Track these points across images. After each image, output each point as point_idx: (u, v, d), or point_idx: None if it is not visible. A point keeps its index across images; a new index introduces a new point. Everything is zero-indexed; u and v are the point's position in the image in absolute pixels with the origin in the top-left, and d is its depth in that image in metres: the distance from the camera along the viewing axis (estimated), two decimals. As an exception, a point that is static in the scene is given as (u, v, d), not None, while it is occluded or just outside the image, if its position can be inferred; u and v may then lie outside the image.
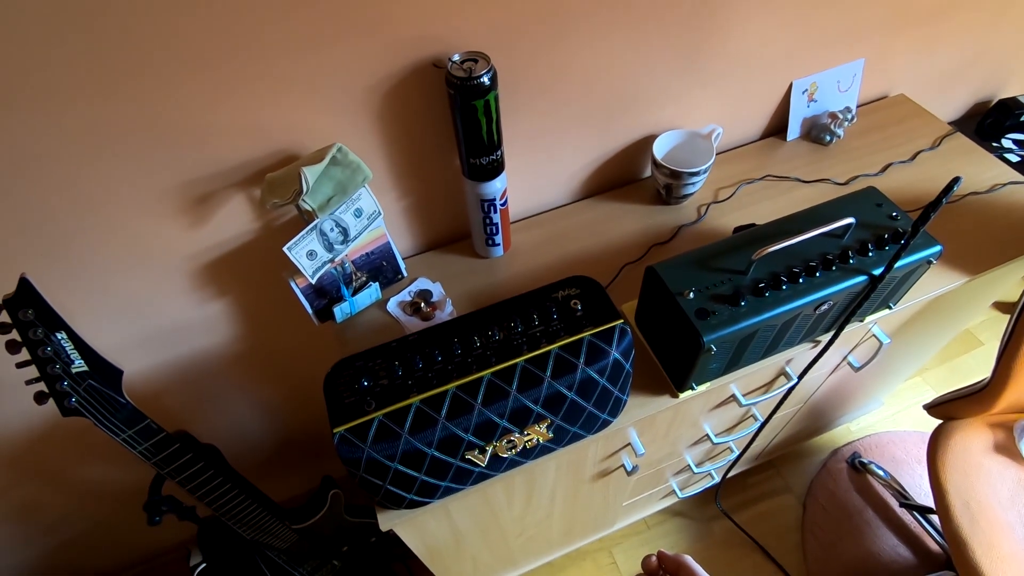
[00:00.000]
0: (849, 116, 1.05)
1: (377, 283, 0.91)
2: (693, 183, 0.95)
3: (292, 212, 0.85)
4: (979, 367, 1.74)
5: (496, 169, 0.81)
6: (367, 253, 0.87)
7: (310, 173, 0.69)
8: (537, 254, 0.95)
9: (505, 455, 0.67)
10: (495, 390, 0.63)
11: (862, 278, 0.71)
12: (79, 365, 0.67)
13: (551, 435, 0.68)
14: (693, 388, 0.77)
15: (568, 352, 0.65)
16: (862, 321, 0.84)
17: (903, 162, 1.02)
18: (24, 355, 0.64)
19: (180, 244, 0.80)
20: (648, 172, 1.07)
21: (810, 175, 1.02)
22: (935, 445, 1.11)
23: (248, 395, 1.10)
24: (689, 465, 1.16)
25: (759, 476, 1.55)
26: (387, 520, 0.70)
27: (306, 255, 0.78)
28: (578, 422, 0.68)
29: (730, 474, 1.47)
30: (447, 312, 0.89)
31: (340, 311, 0.88)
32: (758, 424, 1.04)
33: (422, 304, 0.90)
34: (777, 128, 1.10)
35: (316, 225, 0.77)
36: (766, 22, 0.90)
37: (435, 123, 0.81)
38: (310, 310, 0.87)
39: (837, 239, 0.74)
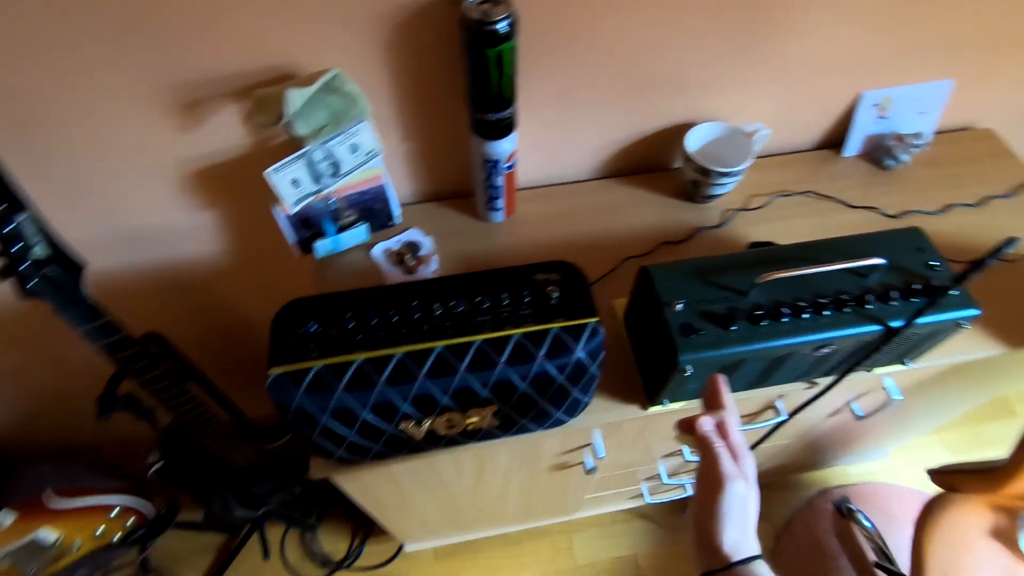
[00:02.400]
0: (920, 142, 0.93)
1: (367, 224, 0.87)
2: (723, 184, 0.86)
3: (284, 135, 0.81)
4: (1006, 440, 1.61)
5: (505, 129, 0.75)
6: (360, 192, 0.83)
7: (295, 96, 0.64)
8: (540, 227, 0.89)
9: (444, 433, 0.63)
10: (443, 364, 0.59)
11: (876, 328, 0.63)
12: (40, 250, 0.66)
13: (497, 421, 0.64)
14: (663, 404, 0.71)
15: (530, 341, 0.60)
16: (870, 372, 0.76)
17: (968, 205, 0.91)
18: (-16, 232, 0.63)
19: (169, 145, 0.77)
20: (679, 163, 0.98)
21: (858, 200, 0.91)
22: (929, 512, 1.04)
23: (231, 310, 1.10)
24: (660, 475, 1.11)
25: (737, 498, 1.49)
26: (321, 469, 0.69)
27: (290, 182, 0.74)
28: (528, 414, 0.64)
29: (707, 490, 1.41)
30: (431, 270, 0.85)
31: (321, 246, 0.85)
32: (738, 451, 0.98)
33: (407, 256, 0.86)
34: (833, 140, 0.99)
35: (304, 153, 0.73)
36: (841, 19, 0.79)
37: (446, 67, 0.75)
38: (292, 240, 0.84)
39: (859, 278, 0.65)
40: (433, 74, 0.75)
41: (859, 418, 0.92)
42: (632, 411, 0.72)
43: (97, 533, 1.18)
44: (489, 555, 1.39)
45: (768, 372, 0.69)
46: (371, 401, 0.58)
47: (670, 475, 1.13)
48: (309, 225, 0.84)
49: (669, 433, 0.86)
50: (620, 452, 0.90)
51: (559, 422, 0.67)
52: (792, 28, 0.78)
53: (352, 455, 0.64)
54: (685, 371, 0.62)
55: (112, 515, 1.17)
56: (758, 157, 0.96)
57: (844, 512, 1.49)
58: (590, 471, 0.86)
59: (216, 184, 0.84)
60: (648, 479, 1.15)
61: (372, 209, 0.86)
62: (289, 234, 0.83)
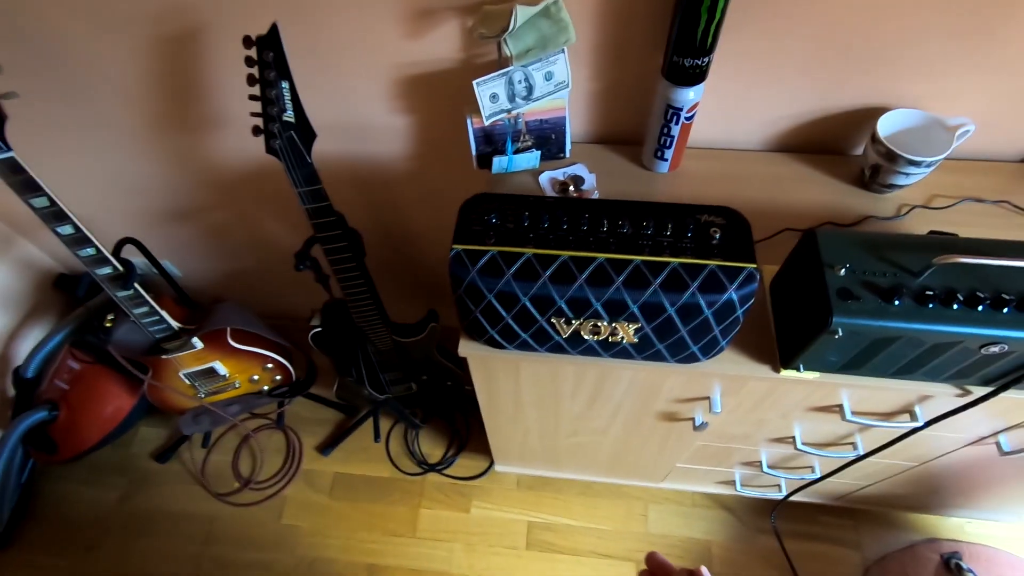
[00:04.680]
0: None
1: (540, 152, 0.94)
2: (909, 174, 0.82)
3: (492, 55, 0.89)
4: None
5: (697, 76, 0.77)
6: (541, 120, 0.90)
7: (521, 13, 0.71)
8: (701, 185, 0.91)
9: (587, 337, 0.69)
10: (602, 274, 0.64)
11: (1062, 336, 0.59)
12: (289, 116, 0.80)
13: (636, 340, 0.68)
14: (799, 370, 0.72)
15: (686, 272, 0.63)
16: (1036, 393, 0.71)
17: None
18: (255, 90, 0.78)
19: (393, 50, 0.88)
20: (859, 150, 0.94)
21: (1065, 220, 0.83)
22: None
23: (401, 212, 1.23)
24: (760, 462, 1.10)
25: (832, 518, 1.44)
26: (467, 348, 0.78)
27: (489, 96, 0.83)
28: (667, 340, 0.68)
29: (800, 497, 1.37)
30: (591, 204, 0.90)
31: (498, 163, 0.93)
32: (854, 455, 0.96)
33: (571, 187, 0.92)
34: (1051, 155, 0.90)
35: (508, 72, 0.81)
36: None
37: (657, 5, 0.78)
38: (474, 151, 0.93)
39: (1054, 283, 0.61)
40: (639, 14, 0.79)
41: (1004, 454, 0.86)
42: (762, 371, 0.74)
43: (253, 379, 1.40)
44: (567, 498, 1.46)
45: (920, 361, 0.67)
46: (532, 291, 0.65)
47: (771, 465, 1.12)
48: (491, 141, 0.92)
49: (790, 408, 0.85)
50: (732, 418, 0.91)
51: (692, 358, 0.71)
52: (1036, 17, 0.73)
53: (501, 337, 0.72)
54: (836, 333, 0.62)
55: (267, 367, 1.38)
56: (949, 158, 0.90)
57: (952, 569, 1.38)
58: (699, 427, 0.88)
59: (419, 92, 0.95)
60: (745, 464, 1.15)
61: (547, 138, 0.93)
62: (473, 145, 0.92)
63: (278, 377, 1.44)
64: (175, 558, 1.41)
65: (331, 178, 1.15)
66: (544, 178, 0.94)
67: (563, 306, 0.66)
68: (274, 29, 0.73)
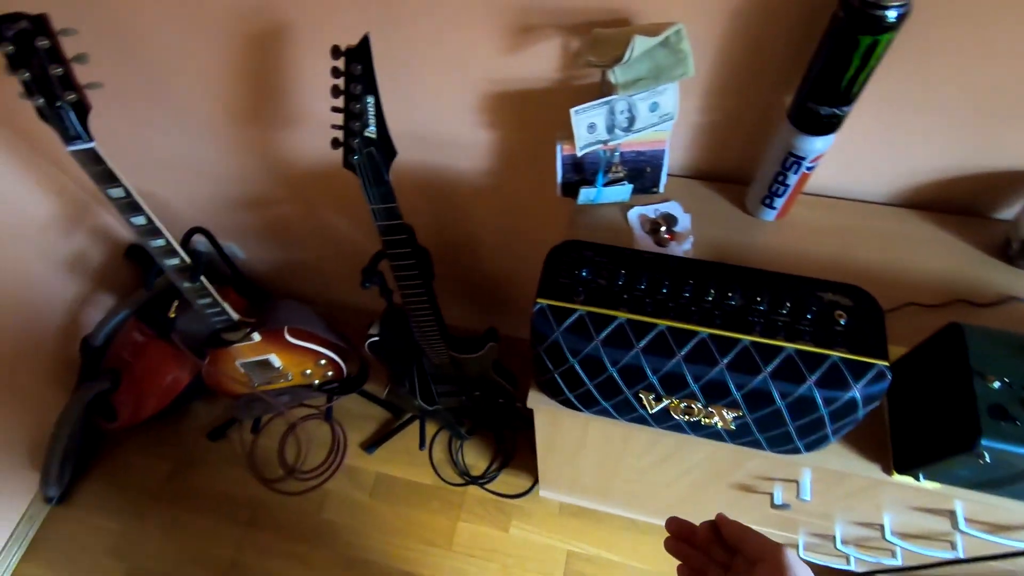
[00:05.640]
0: None
1: (632, 186, 0.86)
2: (1071, 255, 0.70)
3: (594, 79, 0.81)
4: None
5: (830, 126, 0.68)
6: (638, 152, 0.82)
7: (639, 44, 0.63)
8: (811, 239, 0.81)
9: (676, 417, 0.62)
10: (703, 352, 0.57)
11: None
12: (371, 132, 0.75)
13: (733, 427, 0.61)
14: (918, 479, 0.63)
15: (804, 361, 0.55)
16: None
17: None
18: (339, 103, 0.73)
19: (487, 63, 0.82)
20: (1006, 214, 0.82)
21: None
22: None
23: (470, 226, 1.18)
24: (834, 536, 1.00)
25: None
26: (536, 400, 0.72)
27: (587, 125, 0.75)
28: (769, 432, 0.60)
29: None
30: (683, 248, 0.82)
31: (585, 194, 0.86)
32: (951, 556, 0.85)
33: (663, 228, 0.84)
34: None
35: (610, 101, 0.73)
36: None
37: (792, 43, 0.68)
38: (560, 179, 0.86)
39: None
40: (769, 50, 0.70)
41: None
42: (871, 470, 0.65)
43: (306, 372, 1.40)
44: (612, 531, 1.39)
45: (1075, 494, 0.57)
46: (623, 362, 0.58)
47: (845, 542, 1.02)
48: (580, 170, 0.85)
49: (888, 503, 0.76)
50: (818, 501, 0.82)
51: (794, 451, 0.62)
52: None
53: (579, 402, 0.66)
54: (982, 458, 0.53)
55: (320, 363, 1.37)
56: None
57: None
58: (778, 506, 0.80)
59: (508, 109, 0.89)
60: (815, 535, 1.05)
61: (642, 171, 0.85)
62: (560, 173, 0.85)
63: (330, 373, 1.43)
64: (218, 537, 1.44)
65: (403, 185, 1.10)
66: (634, 214, 0.86)
67: (655, 382, 0.59)
68: (365, 42, 0.68)
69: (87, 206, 1.47)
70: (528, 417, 1.52)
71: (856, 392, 0.54)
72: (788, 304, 0.58)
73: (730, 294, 0.59)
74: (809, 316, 0.58)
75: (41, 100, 0.76)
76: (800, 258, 0.80)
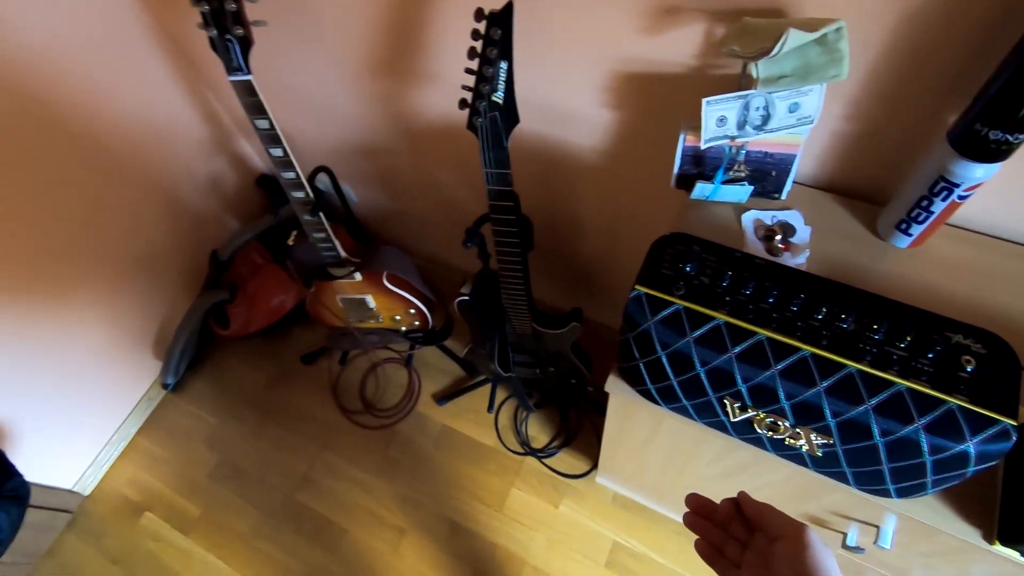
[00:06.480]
0: None
1: (752, 187, 0.82)
2: None
3: (731, 70, 0.77)
4: None
5: (997, 153, 0.60)
6: (766, 152, 0.78)
7: (793, 38, 0.59)
8: (946, 274, 0.74)
9: (759, 430, 0.60)
10: (802, 370, 0.54)
11: None
12: (499, 97, 0.76)
13: (819, 454, 0.58)
14: (1021, 554, 0.57)
15: (915, 401, 0.51)
16: None
17: None
18: (473, 65, 0.75)
19: (621, 41, 0.80)
20: None
21: None
22: None
23: (573, 202, 1.18)
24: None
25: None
26: (614, 385, 0.72)
27: (717, 118, 0.72)
28: (858, 467, 0.57)
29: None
30: (796, 261, 0.78)
31: (700, 189, 0.83)
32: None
33: (778, 236, 0.80)
34: None
35: (747, 96, 0.70)
36: None
37: (967, 55, 0.61)
38: (677, 170, 0.83)
39: None
40: (937, 60, 0.63)
41: None
42: (969, 534, 0.59)
43: (395, 318, 1.48)
44: (661, 533, 1.38)
45: None
46: (713, 364, 0.57)
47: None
48: (699, 163, 0.82)
49: (979, 568, 0.70)
50: (897, 552, 0.77)
51: (883, 493, 0.59)
52: None
53: (659, 395, 0.66)
54: (1110, 547, 0.47)
55: (410, 311, 1.45)
56: None
57: None
58: (850, 548, 0.76)
59: (635, 90, 0.87)
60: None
61: (766, 174, 0.81)
62: (678, 163, 0.82)
63: (417, 323, 1.50)
64: (295, 451, 1.58)
65: (515, 153, 1.11)
66: (748, 218, 0.82)
67: (743, 390, 0.57)
68: (509, 7, 0.69)
69: (231, 135, 1.62)
70: (597, 402, 1.53)
71: (970, 446, 0.50)
72: (908, 338, 0.54)
73: (843, 316, 0.56)
74: (931, 355, 0.53)
75: (214, 31, 0.85)
76: (930, 293, 0.73)
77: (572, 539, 1.39)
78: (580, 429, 1.53)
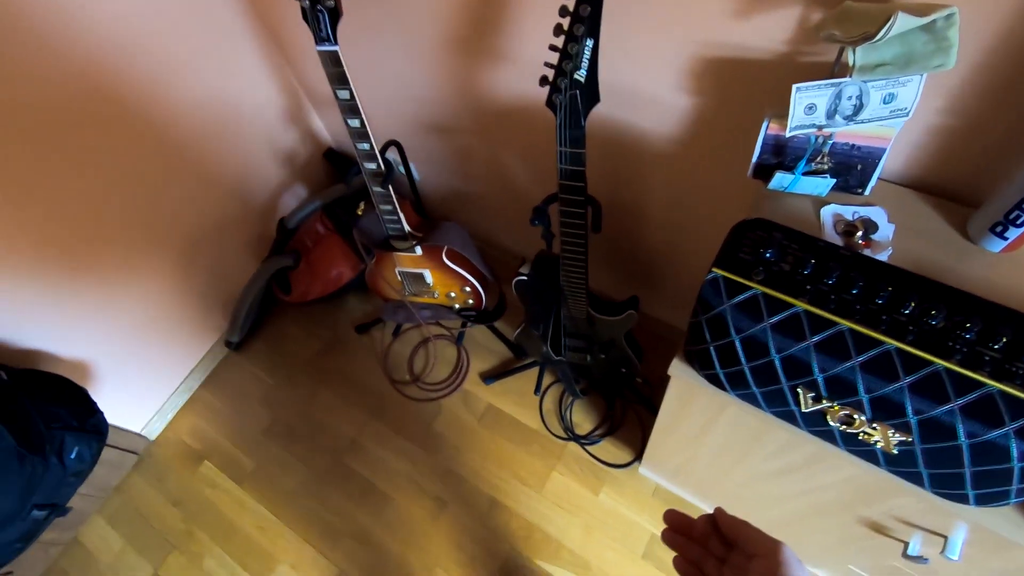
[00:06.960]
0: None
1: (834, 180, 0.80)
2: None
3: (823, 58, 0.75)
4: None
5: (1120, 154, 0.57)
6: (853, 144, 0.75)
7: (902, 22, 0.57)
8: (1042, 283, 0.70)
9: (831, 423, 0.59)
10: (885, 364, 0.53)
11: None
12: (581, 75, 0.76)
13: (895, 451, 0.57)
14: (1110, 574, 0.54)
15: (1008, 405, 0.49)
16: None
17: None
18: (558, 42, 0.76)
19: (708, 25, 0.79)
20: None
21: None
22: None
23: (642, 190, 1.17)
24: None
25: None
26: (678, 369, 0.72)
27: (806, 105, 0.71)
28: (937, 468, 0.55)
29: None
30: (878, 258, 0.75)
31: (779, 179, 0.81)
32: None
33: (859, 233, 0.77)
34: None
35: (840, 84, 0.68)
36: None
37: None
38: (756, 158, 0.82)
39: None
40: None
41: None
42: (1048, 548, 0.57)
43: (450, 295, 1.50)
44: (700, 529, 1.37)
45: None
46: (789, 351, 0.56)
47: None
48: (780, 153, 0.80)
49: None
50: (963, 563, 0.74)
51: (960, 499, 0.57)
52: None
53: (728, 381, 0.65)
54: None
55: (465, 289, 1.47)
56: None
57: None
58: (911, 557, 0.73)
59: (718, 75, 0.85)
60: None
61: (851, 167, 0.78)
62: (758, 151, 0.81)
63: (471, 301, 1.52)
64: (344, 417, 1.63)
65: (588, 134, 1.11)
66: (827, 212, 0.80)
67: (819, 380, 0.56)
68: (601, -15, 0.69)
69: (305, 108, 1.67)
70: (644, 395, 1.52)
71: (1063, 455, 0.48)
72: (1003, 339, 0.52)
73: (933, 312, 0.54)
74: (1026, 359, 0.51)
75: (307, 1, 0.88)
76: (1021, 302, 0.69)
77: (609, 527, 1.40)
78: (625, 419, 1.52)
